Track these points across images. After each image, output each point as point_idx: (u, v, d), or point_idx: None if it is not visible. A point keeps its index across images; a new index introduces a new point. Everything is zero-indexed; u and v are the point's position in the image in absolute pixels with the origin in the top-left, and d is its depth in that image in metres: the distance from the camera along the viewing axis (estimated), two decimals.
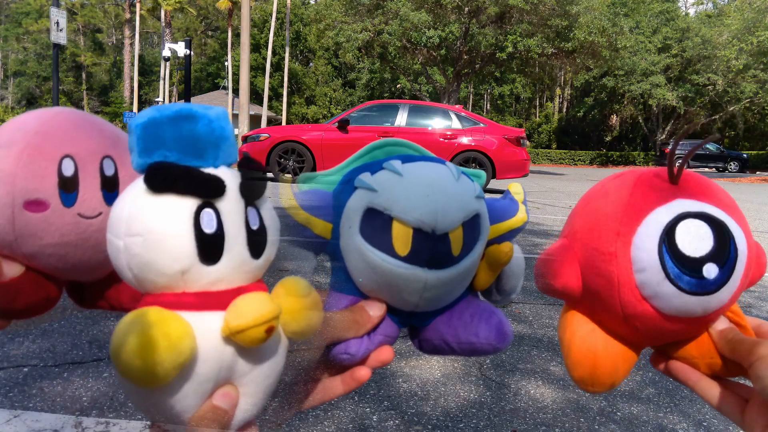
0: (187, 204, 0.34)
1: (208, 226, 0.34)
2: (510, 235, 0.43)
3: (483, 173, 0.44)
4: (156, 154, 0.34)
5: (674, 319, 0.37)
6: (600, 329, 0.40)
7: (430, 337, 0.42)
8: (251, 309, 0.33)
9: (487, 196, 0.42)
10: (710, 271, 0.35)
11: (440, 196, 0.36)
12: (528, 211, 0.45)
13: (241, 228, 0.36)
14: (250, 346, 0.34)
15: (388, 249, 0.36)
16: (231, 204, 0.35)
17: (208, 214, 0.34)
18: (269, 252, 0.38)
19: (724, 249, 0.35)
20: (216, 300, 0.34)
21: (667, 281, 0.35)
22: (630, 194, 0.38)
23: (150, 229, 0.33)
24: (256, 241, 0.36)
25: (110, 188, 0.41)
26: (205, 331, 0.33)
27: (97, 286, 0.46)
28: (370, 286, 0.39)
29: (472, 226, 0.38)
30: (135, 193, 0.34)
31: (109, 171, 0.41)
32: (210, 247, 0.34)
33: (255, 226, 0.36)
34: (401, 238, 0.36)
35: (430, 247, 0.36)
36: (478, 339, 0.41)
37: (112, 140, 0.42)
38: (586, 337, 0.40)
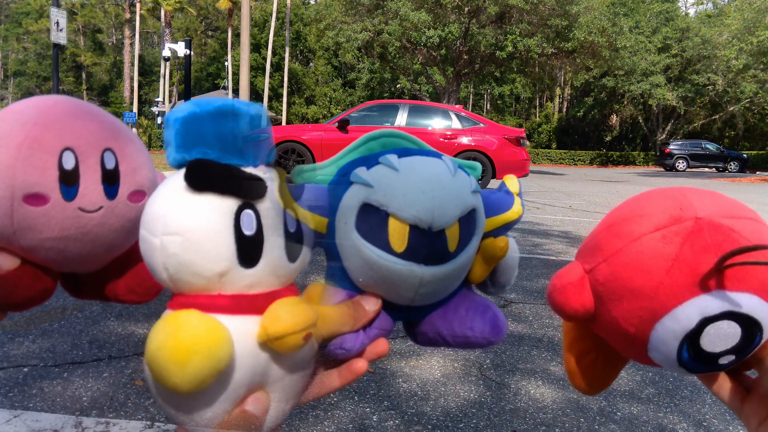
0: (228, 204, 0.33)
1: (248, 228, 0.33)
2: (505, 228, 0.43)
3: (478, 165, 0.44)
4: (195, 151, 0.34)
5: None
6: (602, 345, 0.41)
7: (425, 330, 0.42)
8: (290, 315, 0.33)
9: None
10: (726, 359, 0.34)
11: (437, 193, 0.36)
12: (523, 204, 0.44)
13: (280, 230, 0.35)
14: (286, 353, 0.34)
15: (385, 245, 0.36)
16: (270, 205, 0.34)
17: (248, 215, 0.33)
18: (304, 255, 0.37)
19: (748, 344, 0.34)
20: (251, 304, 0.34)
21: (679, 366, 0.35)
22: (667, 273, 0.33)
23: (189, 228, 0.32)
24: (293, 244, 0.36)
25: (111, 182, 0.40)
26: (240, 335, 0.33)
27: (93, 277, 0.45)
28: (365, 281, 0.39)
29: (468, 221, 0.38)
30: (173, 189, 0.33)
31: (110, 164, 0.40)
32: (249, 250, 0.33)
33: (293, 229, 0.36)
34: (398, 234, 0.36)
35: (427, 244, 0.36)
36: (473, 333, 0.41)
37: (113, 132, 0.41)
38: (586, 354, 0.41)
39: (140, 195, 0.41)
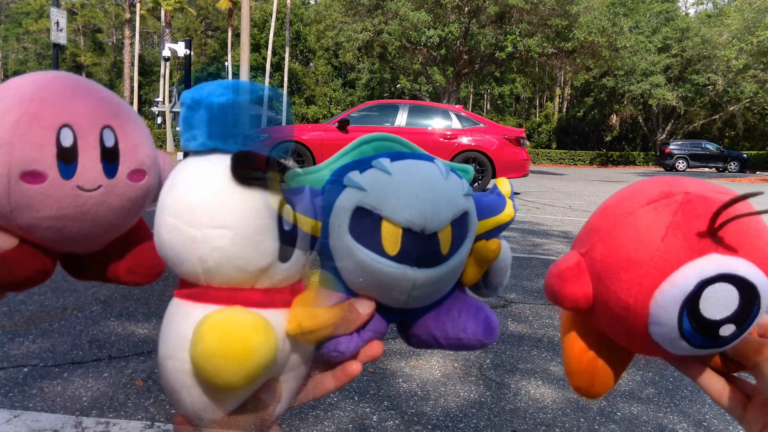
0: (275, 199, 0.33)
1: (287, 223, 0.34)
2: (497, 230, 0.43)
3: (470, 168, 0.44)
4: (232, 141, 0.33)
5: (678, 356, 0.37)
6: (602, 341, 0.41)
7: (418, 333, 0.43)
8: (324, 311, 0.34)
9: None
10: (727, 330, 0.34)
11: (429, 196, 0.36)
12: (515, 206, 0.44)
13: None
14: (310, 344, 0.35)
15: (378, 248, 0.36)
16: (303, 199, 0.35)
17: (287, 209, 0.34)
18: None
19: (747, 312, 0.34)
20: (280, 297, 0.34)
21: (681, 339, 0.35)
22: (662, 239, 0.34)
23: (240, 223, 0.32)
24: (313, 238, 0.37)
25: (110, 160, 0.39)
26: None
27: (93, 258, 0.44)
28: (359, 284, 0.39)
29: (460, 224, 0.38)
30: (213, 180, 0.33)
31: (109, 142, 0.39)
32: (287, 245, 0.34)
33: None
34: (390, 237, 0.36)
35: (420, 247, 0.36)
36: (465, 334, 0.41)
37: (112, 109, 0.40)
38: (586, 351, 0.41)
39: (140, 174, 0.41)
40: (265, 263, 0.33)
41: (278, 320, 0.34)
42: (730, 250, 0.34)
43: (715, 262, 0.33)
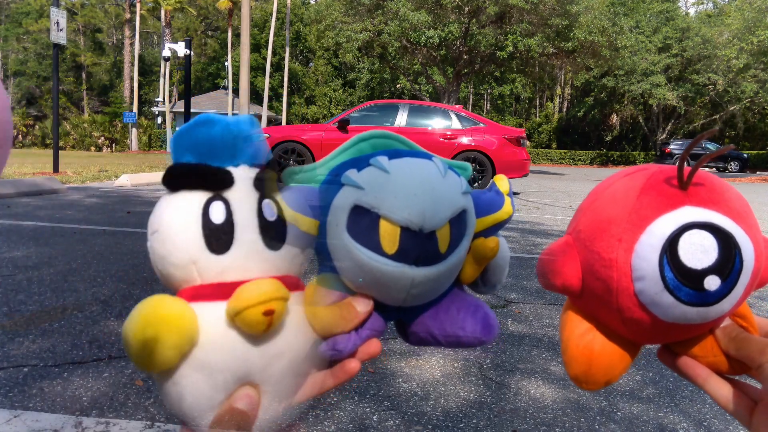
0: (197, 197, 0.36)
1: (217, 217, 0.35)
2: (496, 228, 0.43)
3: (468, 165, 0.44)
4: (180, 159, 0.37)
5: (672, 325, 0.36)
6: (598, 328, 0.40)
7: (417, 331, 0.43)
8: (249, 290, 0.34)
9: None
10: (711, 283, 0.34)
11: (428, 195, 0.36)
12: (514, 204, 0.44)
13: (253, 218, 0.36)
14: (252, 331, 0.35)
15: (376, 247, 0.36)
16: (242, 196, 0.36)
17: (217, 205, 0.36)
18: (293, 246, 0.38)
19: (728, 262, 0.33)
20: (230, 290, 0.35)
21: (666, 292, 0.34)
22: (637, 198, 0.36)
23: (162, 223, 0.36)
24: (271, 232, 0.37)
25: None
26: (217, 319, 0.35)
27: None
28: (357, 283, 0.39)
29: (458, 222, 0.38)
30: (168, 197, 0.37)
31: None
32: (218, 237, 0.35)
33: (272, 218, 0.37)
34: (389, 236, 0.36)
35: (418, 246, 0.36)
36: (464, 332, 0.41)
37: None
38: (582, 336, 0.40)
39: None
40: (191, 256, 0.35)
41: (216, 313, 0.35)
42: (704, 203, 0.35)
43: (690, 212, 0.35)
